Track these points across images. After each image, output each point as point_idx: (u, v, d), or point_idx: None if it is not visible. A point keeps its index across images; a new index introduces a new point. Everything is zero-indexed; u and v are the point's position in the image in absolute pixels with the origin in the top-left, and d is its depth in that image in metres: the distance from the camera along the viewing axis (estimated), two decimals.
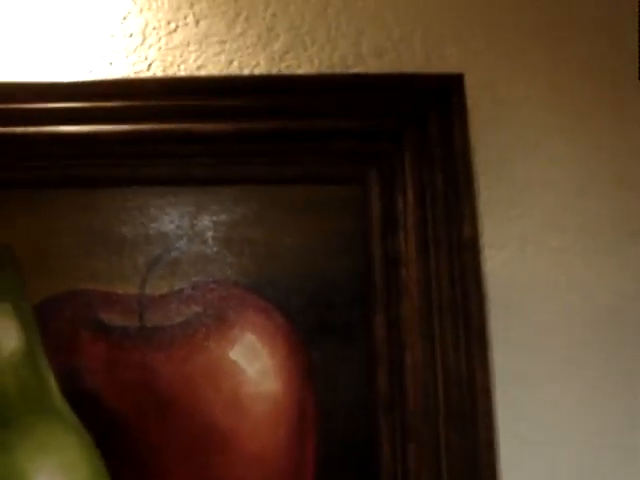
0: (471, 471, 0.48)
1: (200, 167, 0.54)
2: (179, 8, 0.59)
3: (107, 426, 0.49)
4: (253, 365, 0.50)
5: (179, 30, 0.59)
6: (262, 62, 0.58)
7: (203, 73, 0.58)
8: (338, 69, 0.58)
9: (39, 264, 0.51)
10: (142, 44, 0.59)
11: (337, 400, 0.50)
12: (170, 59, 0.59)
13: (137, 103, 0.54)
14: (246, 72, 0.58)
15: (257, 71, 0.58)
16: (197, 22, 0.59)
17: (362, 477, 0.49)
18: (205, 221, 0.52)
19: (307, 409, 0.50)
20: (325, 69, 0.58)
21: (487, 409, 0.49)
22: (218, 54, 0.59)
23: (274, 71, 0.58)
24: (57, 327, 0.51)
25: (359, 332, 0.51)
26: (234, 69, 0.58)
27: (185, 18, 0.59)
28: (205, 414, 0.49)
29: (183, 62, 0.59)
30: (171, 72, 0.58)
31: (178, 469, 0.49)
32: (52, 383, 0.51)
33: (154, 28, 0.59)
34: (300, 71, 0.58)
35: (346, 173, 0.53)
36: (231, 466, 0.49)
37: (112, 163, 0.53)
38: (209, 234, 0.52)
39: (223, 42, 0.59)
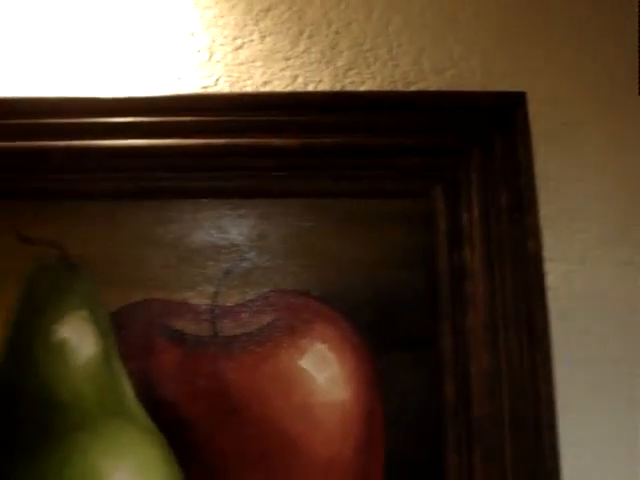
0: (536, 476, 0.49)
1: (269, 180, 0.55)
2: (245, 25, 0.61)
3: (179, 431, 0.51)
4: (322, 374, 0.51)
5: (245, 46, 0.61)
6: (326, 78, 0.60)
7: (269, 89, 0.60)
8: (400, 86, 0.60)
9: (116, 273, 0.53)
10: (209, 60, 0.61)
11: (404, 408, 0.51)
12: (237, 75, 0.60)
13: (207, 118, 0.56)
14: (310, 88, 0.60)
15: (321, 87, 0.60)
16: (262, 39, 0.61)
17: None
18: (274, 233, 0.54)
19: (375, 418, 0.51)
20: (387, 86, 0.60)
21: (550, 417, 0.50)
22: (283, 70, 0.60)
23: (337, 87, 0.60)
24: (132, 334, 0.52)
25: (425, 343, 0.52)
26: (299, 85, 0.60)
27: (250, 35, 0.61)
28: (275, 421, 0.50)
29: (249, 78, 0.60)
30: (238, 87, 0.60)
31: (247, 475, 0.50)
32: (127, 388, 0.52)
33: (221, 45, 0.61)
34: (363, 87, 0.60)
35: (411, 188, 0.55)
36: (300, 473, 0.50)
37: (186, 176, 0.55)
38: (279, 246, 0.53)
39: (287, 59, 0.61)
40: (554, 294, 0.54)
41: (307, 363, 0.51)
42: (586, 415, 0.52)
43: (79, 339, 0.53)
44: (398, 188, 0.55)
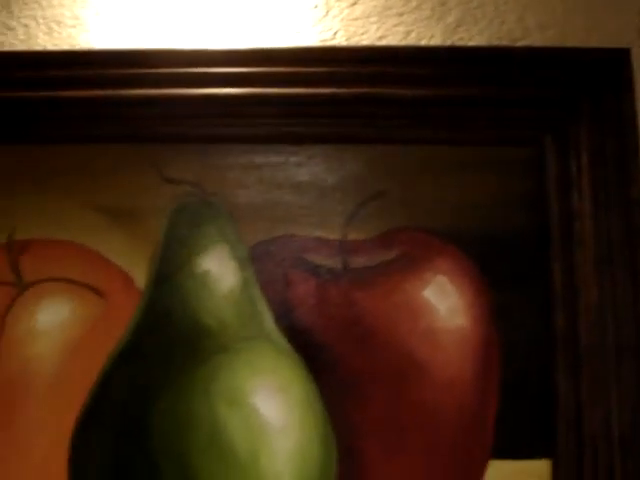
0: (637, 398, 0.54)
1: (390, 128, 0.60)
2: None
3: (315, 353, 0.56)
4: (444, 303, 0.57)
5: (360, 2, 0.65)
6: (437, 34, 0.64)
7: (384, 43, 0.64)
8: (505, 42, 0.64)
9: (252, 212, 0.58)
10: (326, 15, 0.65)
11: (517, 338, 0.57)
12: (353, 29, 0.64)
13: (329, 69, 0.60)
14: (423, 43, 0.64)
15: (433, 42, 0.64)
16: None
17: (538, 406, 0.56)
18: (396, 178, 0.59)
19: (491, 345, 0.56)
20: (494, 41, 0.64)
21: None
22: (396, 25, 0.64)
23: (448, 42, 0.64)
24: (269, 267, 0.58)
25: (537, 279, 0.57)
26: (412, 40, 0.64)
27: None
28: (402, 346, 0.56)
29: (365, 32, 0.64)
30: (354, 42, 0.64)
31: (378, 394, 0.56)
32: (266, 315, 0.58)
33: (336, 1, 0.65)
34: (471, 43, 0.64)
35: (523, 137, 0.59)
36: (425, 392, 0.56)
37: (312, 122, 0.60)
38: (401, 189, 0.58)
39: (401, 14, 0.64)
40: None
41: (430, 293, 0.57)
42: None
43: (220, 270, 0.58)
44: (511, 137, 0.59)
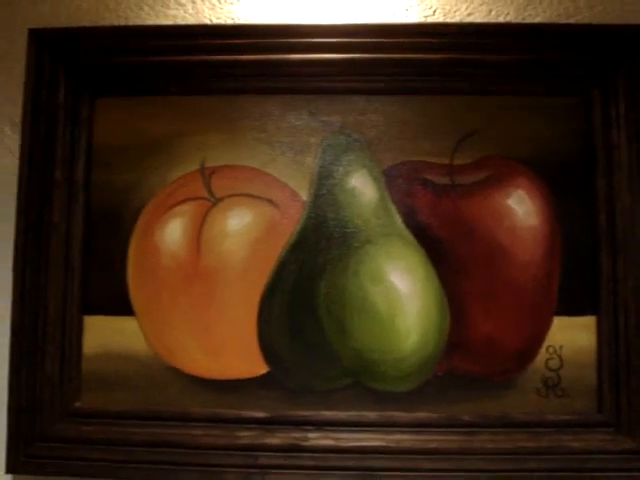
0: None
1: (480, 83, 0.82)
2: None
3: (433, 244, 0.80)
4: (522, 208, 0.80)
5: None
6: (512, 12, 0.86)
7: (471, 19, 0.86)
8: (563, 18, 0.86)
9: (383, 144, 0.81)
10: None
11: (573, 232, 0.81)
12: (448, 7, 0.86)
13: (429, 40, 0.82)
14: (501, 19, 0.86)
15: (508, 18, 0.86)
16: None
17: (588, 279, 0.80)
18: (486, 117, 0.81)
19: (555, 236, 0.80)
20: (554, 18, 0.86)
21: None
22: (481, 4, 0.86)
23: (519, 19, 0.86)
24: (398, 183, 0.81)
25: (585, 190, 0.81)
26: (493, 17, 0.86)
27: None
28: (494, 238, 0.80)
29: (457, 10, 0.86)
30: (449, 18, 0.86)
31: (477, 272, 0.80)
32: (397, 217, 0.81)
33: None
34: (537, 19, 0.86)
35: (577, 89, 0.82)
36: (510, 270, 0.80)
37: (424, 79, 0.82)
38: (489, 127, 0.81)
39: None
40: None
41: (512, 202, 0.80)
42: None
43: (362, 186, 0.81)
44: (570, 89, 0.82)
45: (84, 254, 0.82)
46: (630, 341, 0.79)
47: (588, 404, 0.79)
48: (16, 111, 0.85)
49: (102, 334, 0.81)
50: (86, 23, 0.86)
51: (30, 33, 0.83)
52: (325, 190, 0.81)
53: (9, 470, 0.80)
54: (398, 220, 0.81)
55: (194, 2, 0.88)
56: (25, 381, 0.80)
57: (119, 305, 0.81)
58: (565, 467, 0.78)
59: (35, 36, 0.83)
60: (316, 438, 0.79)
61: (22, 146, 0.83)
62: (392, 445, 0.78)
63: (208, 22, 0.87)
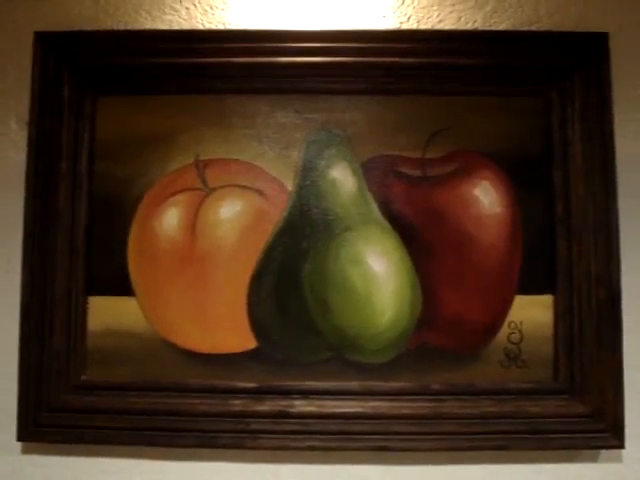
0: None
1: (450, 84, 0.90)
2: None
3: (406, 231, 0.88)
4: (487, 198, 0.89)
5: None
6: (479, 19, 0.95)
7: (441, 26, 0.94)
8: (525, 26, 0.95)
9: (362, 139, 0.89)
10: (402, 4, 0.94)
11: (532, 218, 0.89)
12: (421, 15, 0.94)
13: (404, 45, 0.90)
14: (469, 26, 0.94)
15: (476, 25, 0.94)
16: None
17: (546, 261, 0.89)
18: (457, 117, 0.90)
19: (516, 223, 0.89)
20: (517, 25, 0.94)
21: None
22: (451, 12, 0.95)
23: (486, 26, 0.94)
24: (375, 175, 0.89)
25: (544, 180, 0.90)
26: (462, 23, 0.94)
27: None
28: (461, 224, 0.88)
29: (429, 17, 0.94)
30: (422, 25, 0.94)
31: (446, 255, 0.88)
32: (374, 206, 0.89)
33: None
34: (502, 26, 0.94)
35: (537, 92, 0.91)
36: (476, 254, 0.88)
37: (400, 80, 0.90)
38: (459, 124, 0.90)
39: (454, 4, 0.95)
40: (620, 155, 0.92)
41: (478, 191, 0.89)
42: None
43: (343, 178, 0.89)
44: (530, 92, 0.91)
45: (88, 239, 0.89)
46: (583, 317, 0.88)
47: (545, 373, 0.88)
48: (22, 108, 0.92)
49: (105, 313, 0.88)
50: (87, 27, 0.93)
51: (36, 36, 0.90)
52: (309, 181, 0.89)
53: (20, 438, 0.88)
54: (375, 208, 0.89)
55: (188, 8, 0.95)
56: (34, 357, 0.87)
57: (120, 286, 0.88)
58: (525, 430, 0.87)
59: (41, 39, 0.90)
60: (301, 405, 0.87)
61: (29, 140, 0.90)
62: (370, 411, 0.87)
63: (201, 27, 0.95)
